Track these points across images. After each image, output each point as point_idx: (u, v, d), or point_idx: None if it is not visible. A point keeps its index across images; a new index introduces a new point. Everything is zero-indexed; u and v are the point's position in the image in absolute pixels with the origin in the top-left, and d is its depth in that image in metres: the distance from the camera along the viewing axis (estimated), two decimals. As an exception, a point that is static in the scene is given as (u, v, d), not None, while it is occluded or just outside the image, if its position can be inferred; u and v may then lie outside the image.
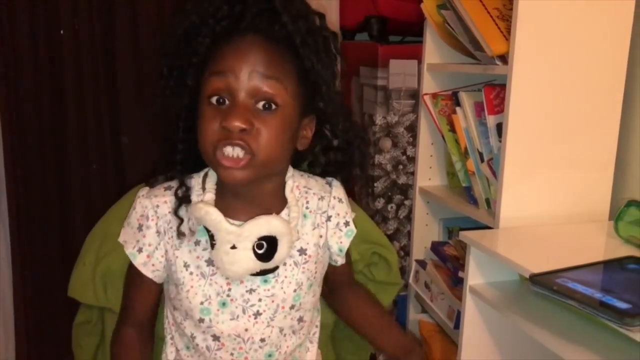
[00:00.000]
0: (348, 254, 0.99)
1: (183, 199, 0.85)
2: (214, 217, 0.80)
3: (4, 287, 1.73)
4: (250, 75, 0.76)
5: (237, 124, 0.75)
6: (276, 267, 0.86)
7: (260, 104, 0.77)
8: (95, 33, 1.71)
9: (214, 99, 0.78)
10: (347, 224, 0.92)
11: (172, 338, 0.93)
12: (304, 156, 0.94)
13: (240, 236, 0.79)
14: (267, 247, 0.81)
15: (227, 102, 0.78)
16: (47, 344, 1.78)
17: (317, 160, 0.94)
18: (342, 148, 0.92)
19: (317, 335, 0.99)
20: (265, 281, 0.86)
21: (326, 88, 0.83)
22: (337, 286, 1.02)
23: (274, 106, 0.78)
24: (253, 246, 0.80)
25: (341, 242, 0.93)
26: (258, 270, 0.83)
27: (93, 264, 1.01)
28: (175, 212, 0.85)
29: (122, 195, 1.08)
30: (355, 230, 0.94)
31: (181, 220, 0.85)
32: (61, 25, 1.67)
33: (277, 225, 0.81)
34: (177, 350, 0.92)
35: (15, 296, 1.73)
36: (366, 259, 1.10)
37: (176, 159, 0.86)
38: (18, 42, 1.63)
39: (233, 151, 0.76)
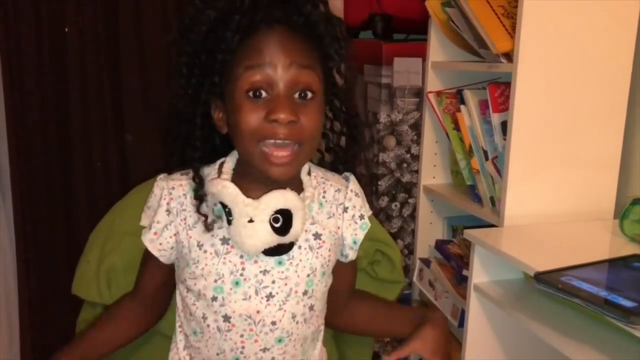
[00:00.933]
0: (355, 266, 0.99)
1: (199, 185, 0.85)
2: (231, 190, 0.81)
3: (9, 286, 1.74)
4: (288, 67, 0.78)
5: (286, 115, 0.77)
6: (291, 246, 0.86)
7: (297, 94, 0.79)
8: (99, 31, 1.71)
9: (251, 92, 0.79)
10: (362, 217, 0.93)
11: (180, 325, 0.93)
12: None
13: (257, 209, 0.80)
14: (282, 221, 0.82)
15: (264, 94, 0.79)
16: (51, 342, 1.78)
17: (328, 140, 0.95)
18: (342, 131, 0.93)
19: (322, 332, 0.99)
20: (280, 263, 0.86)
21: (344, 71, 0.86)
22: (340, 304, 1.01)
23: (309, 94, 0.80)
24: (270, 219, 0.81)
25: (356, 235, 0.93)
26: (275, 245, 0.83)
27: (97, 262, 1.01)
28: (196, 194, 0.84)
29: (126, 193, 1.08)
30: (369, 224, 0.94)
31: (200, 202, 0.85)
32: (65, 23, 1.67)
33: (292, 198, 0.82)
34: (187, 337, 0.93)
35: (20, 294, 1.74)
36: (369, 257, 1.10)
37: (195, 156, 0.86)
38: (22, 40, 1.64)
39: (282, 144, 0.78)
